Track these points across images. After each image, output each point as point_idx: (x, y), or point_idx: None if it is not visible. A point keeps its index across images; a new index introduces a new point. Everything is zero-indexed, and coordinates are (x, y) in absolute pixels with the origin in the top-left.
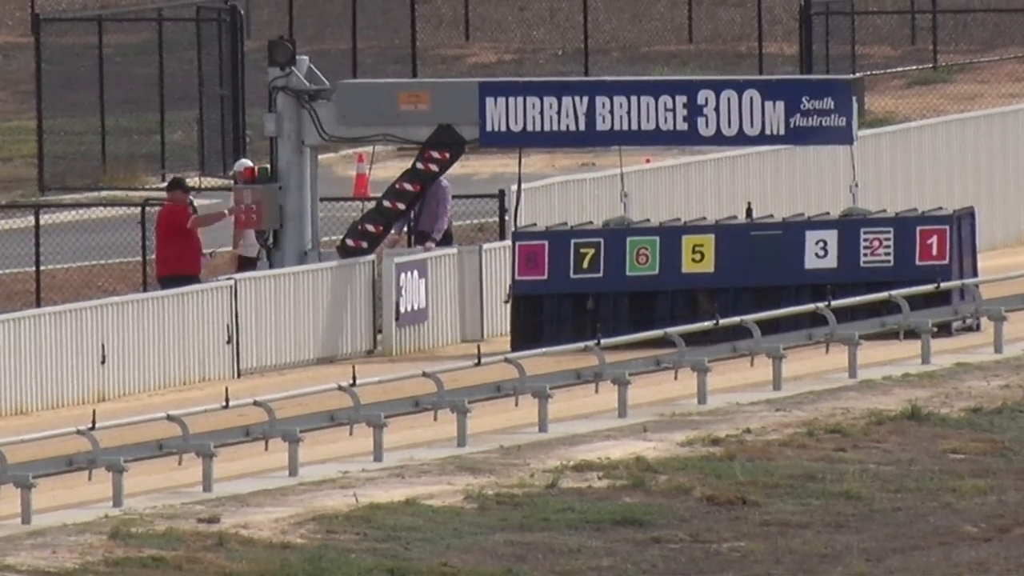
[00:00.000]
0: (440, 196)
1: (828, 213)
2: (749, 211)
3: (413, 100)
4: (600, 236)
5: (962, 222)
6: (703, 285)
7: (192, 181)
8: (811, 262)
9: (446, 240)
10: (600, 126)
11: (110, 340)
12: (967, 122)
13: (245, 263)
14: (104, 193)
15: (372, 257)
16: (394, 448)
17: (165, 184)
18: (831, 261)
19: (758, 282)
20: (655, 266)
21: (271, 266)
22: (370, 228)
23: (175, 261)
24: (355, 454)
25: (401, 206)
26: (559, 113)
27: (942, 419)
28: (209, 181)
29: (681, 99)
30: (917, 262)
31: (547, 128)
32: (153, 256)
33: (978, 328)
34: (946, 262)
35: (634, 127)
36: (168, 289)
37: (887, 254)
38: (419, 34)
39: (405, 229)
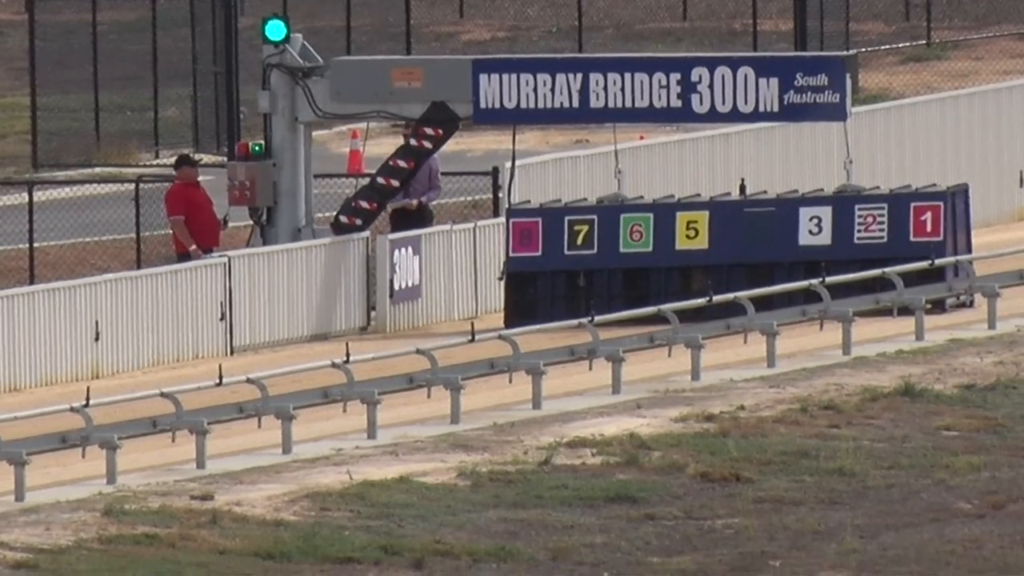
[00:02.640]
0: (434, 168)
1: (822, 190)
2: (743, 188)
3: (407, 77)
4: (594, 213)
5: (956, 199)
6: (697, 262)
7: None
8: (805, 239)
9: (427, 219)
10: (594, 103)
11: (104, 317)
12: (961, 99)
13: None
14: (98, 170)
15: (366, 234)
16: (388, 425)
17: (158, 161)
18: (825, 238)
19: (752, 259)
20: (649, 243)
21: (264, 243)
22: (364, 205)
23: (196, 237)
24: (349, 431)
25: (395, 183)
26: (553, 90)
27: (936, 396)
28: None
29: (675, 76)
30: (911, 239)
31: (541, 105)
32: (148, 234)
33: (972, 304)
34: (940, 239)
35: (628, 104)
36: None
37: (881, 231)
38: (413, 11)
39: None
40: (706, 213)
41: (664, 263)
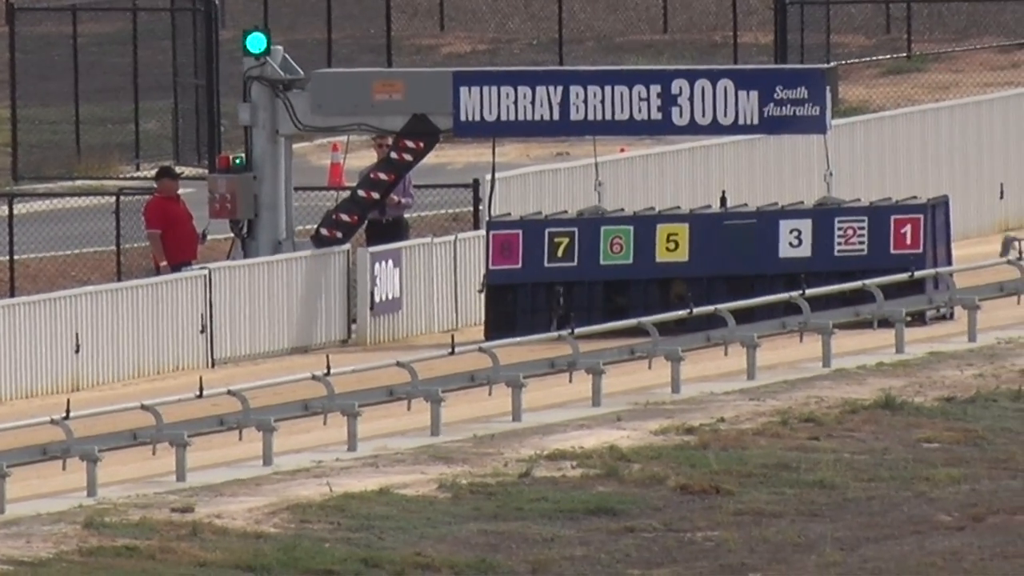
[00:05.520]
0: (407, 179)
1: (802, 202)
2: (723, 200)
3: (388, 90)
4: (574, 225)
5: (936, 211)
6: (677, 274)
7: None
8: (785, 251)
9: (402, 231)
10: (574, 116)
11: (84, 329)
12: (941, 111)
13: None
14: (79, 182)
15: (347, 247)
16: (368, 437)
17: (138, 174)
18: (805, 250)
19: (732, 271)
20: (629, 255)
21: (245, 255)
22: (345, 218)
23: (173, 250)
24: (329, 443)
25: (376, 195)
26: (533, 103)
27: (916, 408)
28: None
29: (655, 88)
30: (891, 251)
31: (521, 118)
32: (128, 246)
33: (952, 317)
34: (920, 251)
35: (608, 117)
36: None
37: (861, 243)
38: (394, 24)
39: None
40: (686, 226)
41: (644, 275)
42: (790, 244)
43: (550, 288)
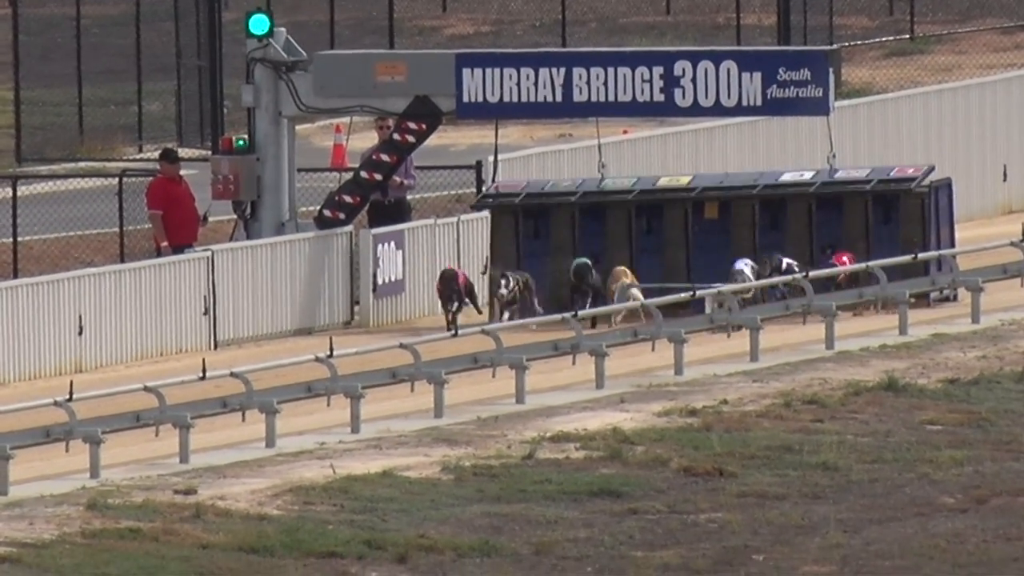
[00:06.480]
0: (408, 160)
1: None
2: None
3: (390, 71)
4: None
5: (939, 193)
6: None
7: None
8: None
9: (404, 212)
10: (577, 97)
11: (87, 311)
12: (944, 93)
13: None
14: (82, 164)
15: (349, 228)
16: (371, 419)
17: (141, 155)
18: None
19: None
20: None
21: (248, 237)
22: (347, 199)
23: (174, 232)
24: (332, 425)
25: (378, 177)
26: (536, 84)
27: (919, 390)
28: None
29: (658, 70)
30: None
31: (524, 99)
32: (131, 228)
33: (955, 299)
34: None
35: (611, 98)
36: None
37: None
38: (396, 5)
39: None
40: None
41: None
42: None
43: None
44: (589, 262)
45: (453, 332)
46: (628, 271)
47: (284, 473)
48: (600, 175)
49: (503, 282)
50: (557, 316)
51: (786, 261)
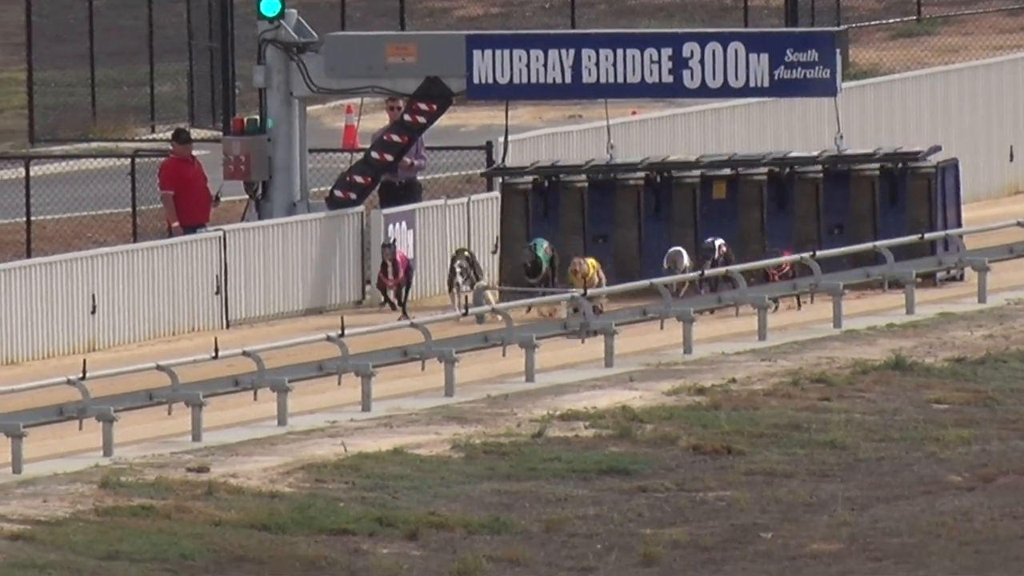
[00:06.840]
0: (418, 141)
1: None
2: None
3: (401, 52)
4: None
5: (946, 173)
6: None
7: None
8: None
9: (415, 192)
10: (586, 79)
11: (100, 291)
12: (951, 74)
13: None
14: (94, 144)
15: (361, 208)
16: (382, 398)
17: (153, 136)
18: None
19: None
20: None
21: (260, 217)
22: (358, 179)
23: (186, 212)
24: (343, 404)
25: (389, 158)
26: (546, 66)
27: (926, 369)
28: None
29: (666, 51)
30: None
31: (534, 80)
32: (144, 208)
33: (962, 278)
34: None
35: (620, 79)
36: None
37: None
38: None
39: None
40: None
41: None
42: None
43: None
44: (544, 243)
45: (464, 312)
46: (587, 261)
47: (296, 451)
48: (609, 156)
49: (458, 269)
50: (567, 294)
51: (718, 243)
